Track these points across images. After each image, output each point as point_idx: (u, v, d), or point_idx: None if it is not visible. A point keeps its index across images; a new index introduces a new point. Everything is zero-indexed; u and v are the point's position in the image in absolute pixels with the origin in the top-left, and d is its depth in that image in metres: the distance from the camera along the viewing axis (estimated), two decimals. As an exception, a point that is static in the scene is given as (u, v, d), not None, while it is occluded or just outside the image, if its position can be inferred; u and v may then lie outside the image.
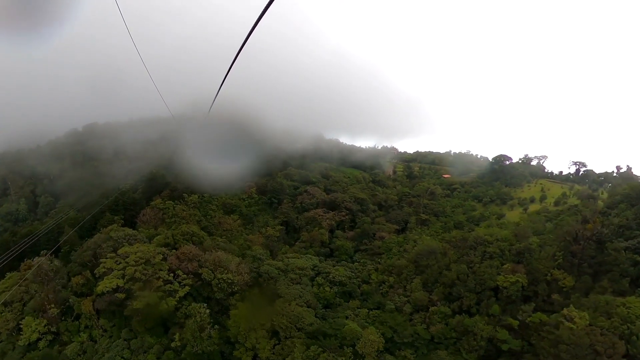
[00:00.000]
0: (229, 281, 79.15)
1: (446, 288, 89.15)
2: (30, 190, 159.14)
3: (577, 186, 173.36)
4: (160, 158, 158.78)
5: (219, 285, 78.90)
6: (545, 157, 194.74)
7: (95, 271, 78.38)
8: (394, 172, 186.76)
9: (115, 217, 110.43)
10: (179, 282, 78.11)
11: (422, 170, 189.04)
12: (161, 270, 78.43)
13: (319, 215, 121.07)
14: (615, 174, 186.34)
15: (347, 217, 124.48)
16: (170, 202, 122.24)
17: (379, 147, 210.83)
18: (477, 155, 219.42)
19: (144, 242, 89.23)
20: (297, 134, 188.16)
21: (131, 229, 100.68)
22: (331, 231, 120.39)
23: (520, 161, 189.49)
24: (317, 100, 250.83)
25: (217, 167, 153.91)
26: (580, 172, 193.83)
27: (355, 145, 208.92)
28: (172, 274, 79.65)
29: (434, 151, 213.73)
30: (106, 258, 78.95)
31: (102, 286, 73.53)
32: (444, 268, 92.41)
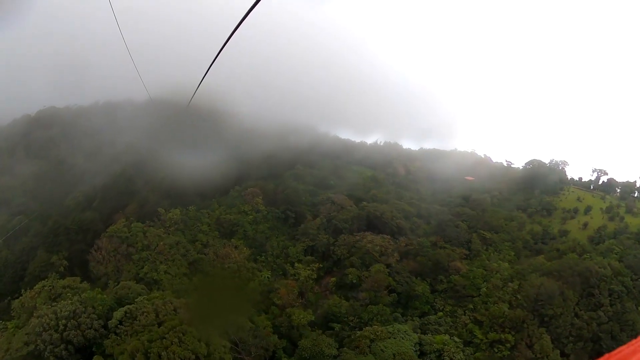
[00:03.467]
0: None
1: (587, 343, 67.47)
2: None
3: (608, 197, 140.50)
4: (129, 153, 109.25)
5: None
6: (565, 162, 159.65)
7: None
8: (408, 171, 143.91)
9: (54, 258, 66.65)
10: None
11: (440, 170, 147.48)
12: None
13: (371, 243, 77.76)
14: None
15: (412, 245, 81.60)
16: (139, 223, 75.52)
17: (381, 143, 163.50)
18: (482, 155, 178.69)
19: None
20: (296, 127, 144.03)
21: (79, 280, 61.64)
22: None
23: (548, 166, 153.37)
24: (316, 92, 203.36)
25: (205, 164, 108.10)
26: (601, 181, 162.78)
27: (351, 140, 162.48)
28: None
29: (439, 149, 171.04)
30: None
31: None
32: (573, 315, 69.78)
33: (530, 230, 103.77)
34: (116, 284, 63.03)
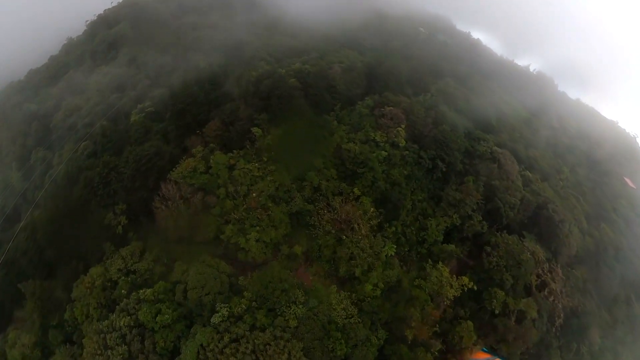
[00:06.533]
0: None
1: None
2: (20, 144, 75.47)
3: None
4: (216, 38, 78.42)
5: None
6: None
7: None
8: (564, 130, 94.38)
9: (108, 217, 47.45)
10: None
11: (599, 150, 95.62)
12: None
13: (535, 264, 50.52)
14: None
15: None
16: (221, 155, 50.71)
17: (535, 72, 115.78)
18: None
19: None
20: (430, 18, 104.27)
21: (139, 251, 44.30)
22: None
23: None
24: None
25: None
26: None
27: (494, 51, 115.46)
28: None
29: (598, 111, 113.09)
30: None
31: None
32: None
33: None
34: (188, 264, 42.14)
